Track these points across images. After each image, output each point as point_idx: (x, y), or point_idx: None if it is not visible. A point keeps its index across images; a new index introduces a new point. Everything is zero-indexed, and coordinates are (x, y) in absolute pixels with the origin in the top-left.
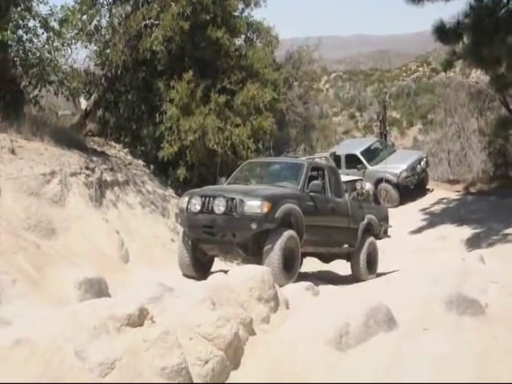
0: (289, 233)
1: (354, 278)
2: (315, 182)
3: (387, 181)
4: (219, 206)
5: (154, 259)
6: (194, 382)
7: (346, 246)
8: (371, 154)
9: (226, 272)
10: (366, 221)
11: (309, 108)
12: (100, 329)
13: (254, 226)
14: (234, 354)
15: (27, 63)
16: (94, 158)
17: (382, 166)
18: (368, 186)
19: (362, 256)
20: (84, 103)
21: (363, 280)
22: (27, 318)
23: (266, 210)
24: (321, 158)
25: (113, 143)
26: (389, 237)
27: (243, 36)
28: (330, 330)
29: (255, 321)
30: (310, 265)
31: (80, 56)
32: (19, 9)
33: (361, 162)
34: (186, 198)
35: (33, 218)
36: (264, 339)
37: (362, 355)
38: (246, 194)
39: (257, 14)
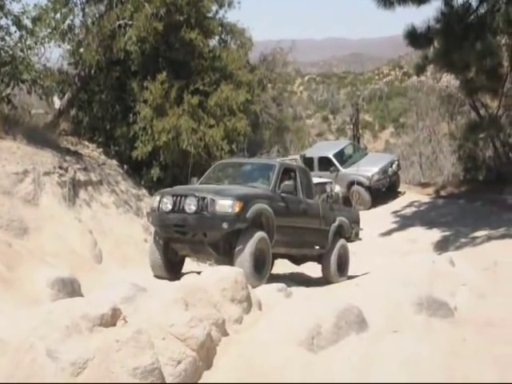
0: (260, 234)
1: (325, 281)
2: (287, 182)
3: (359, 183)
4: (190, 206)
5: (128, 259)
6: (167, 382)
7: (317, 247)
8: (344, 157)
9: (198, 273)
10: (337, 223)
11: (282, 110)
12: (72, 328)
13: (225, 225)
14: (206, 354)
15: None
16: (68, 158)
17: (355, 168)
18: (337, 188)
19: (333, 258)
20: (57, 102)
21: (334, 282)
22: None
23: (237, 209)
24: (291, 160)
25: (86, 143)
26: (360, 239)
27: (217, 37)
28: (302, 332)
29: (228, 321)
30: (282, 267)
31: (53, 55)
32: None
33: (333, 165)
34: (158, 197)
35: (4, 217)
36: (237, 340)
37: (334, 356)
38: (218, 193)
39: (230, 16)
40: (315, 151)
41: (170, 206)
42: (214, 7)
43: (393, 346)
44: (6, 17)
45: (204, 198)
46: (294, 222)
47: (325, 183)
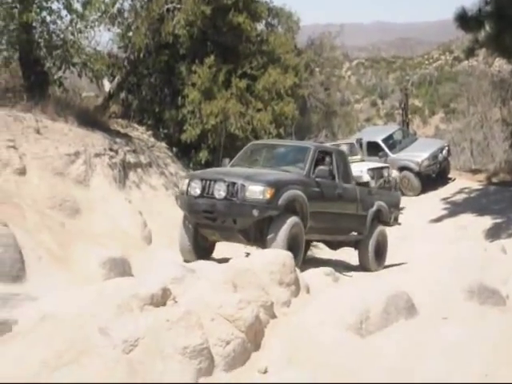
0: (293, 220)
1: (361, 268)
2: (322, 167)
3: (409, 169)
4: (220, 191)
5: (176, 241)
6: (216, 362)
7: (353, 233)
8: (393, 142)
9: (247, 255)
10: (375, 207)
11: (330, 94)
12: (124, 307)
13: (255, 212)
14: (254, 335)
15: (51, 45)
16: (118, 140)
17: (404, 154)
18: (395, 173)
19: (371, 245)
20: (107, 85)
21: (371, 270)
22: (52, 295)
23: (268, 196)
24: (345, 144)
25: (136, 125)
26: (399, 224)
27: (264, 21)
28: (351, 316)
29: (276, 304)
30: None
31: (103, 38)
32: None
33: (382, 150)
34: (186, 181)
35: (58, 197)
36: (284, 322)
37: (382, 341)
38: (248, 178)
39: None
40: (364, 136)
41: (198, 191)
42: None
43: (442, 333)
44: (58, 1)
45: (234, 184)
46: (329, 207)
47: (382, 168)
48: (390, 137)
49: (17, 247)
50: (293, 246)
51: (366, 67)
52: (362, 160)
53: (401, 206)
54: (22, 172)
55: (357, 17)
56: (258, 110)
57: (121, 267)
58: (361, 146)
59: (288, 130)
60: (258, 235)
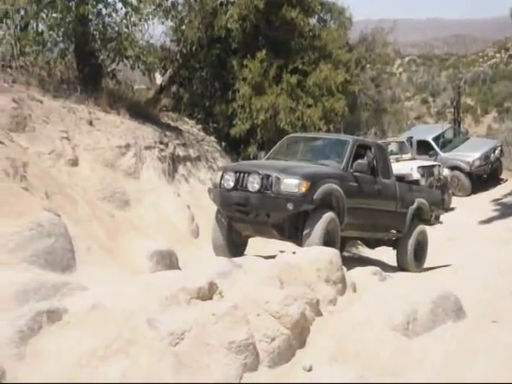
0: (329, 215)
1: (399, 269)
2: (360, 161)
3: (459, 169)
4: (253, 184)
5: None
6: (261, 358)
7: (392, 231)
8: (444, 141)
9: (293, 252)
10: (415, 205)
11: (381, 91)
12: (171, 300)
13: (290, 206)
14: (300, 333)
15: (106, 37)
16: (168, 133)
17: (455, 153)
18: (446, 172)
19: (410, 244)
20: (159, 78)
21: (409, 271)
22: (102, 285)
23: (304, 189)
24: (396, 142)
25: (186, 119)
26: (441, 223)
27: (316, 16)
28: (398, 316)
29: (322, 302)
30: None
31: (156, 32)
32: None
33: (432, 149)
34: (220, 173)
35: (108, 188)
36: (330, 320)
37: (429, 343)
38: (283, 171)
39: None
40: (414, 134)
41: (231, 184)
42: None
43: (491, 336)
44: None
45: (268, 176)
46: (367, 203)
47: (433, 166)
48: (441, 135)
49: (68, 237)
50: (328, 242)
51: (418, 64)
52: (413, 158)
53: (451, 206)
54: (75, 163)
55: (411, 13)
56: (308, 106)
57: (168, 260)
58: (411, 144)
59: (337, 127)
60: (292, 231)
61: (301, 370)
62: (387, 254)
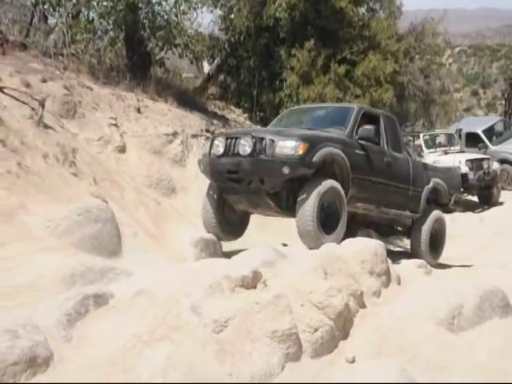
0: (329, 183)
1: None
2: (366, 126)
3: (509, 162)
4: (245, 147)
5: (266, 224)
6: (304, 348)
7: (405, 213)
8: (494, 134)
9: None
10: (431, 184)
11: (430, 82)
12: (215, 287)
13: (285, 170)
14: (343, 324)
15: (155, 26)
16: (215, 121)
17: (505, 146)
18: (495, 165)
19: (425, 230)
20: (207, 67)
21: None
22: (147, 271)
23: (301, 151)
24: (445, 134)
25: (233, 107)
26: (462, 210)
27: (366, 5)
28: (443, 310)
29: (366, 294)
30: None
31: (205, 20)
32: None
33: (482, 141)
34: (210, 140)
35: (155, 175)
36: (374, 313)
37: (475, 338)
38: (278, 133)
39: None
40: (463, 126)
41: (221, 149)
42: None
43: None
44: None
45: (262, 139)
46: (375, 175)
47: (482, 159)
48: (491, 128)
49: (114, 223)
50: (329, 214)
51: (469, 55)
52: (462, 151)
53: (499, 200)
54: (122, 150)
55: (462, 2)
56: (356, 96)
57: (212, 248)
58: (460, 136)
59: None
60: (290, 200)
61: (343, 362)
62: None
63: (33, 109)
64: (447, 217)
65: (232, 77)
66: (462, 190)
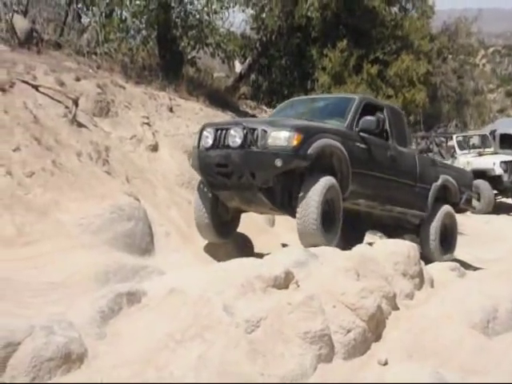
0: (330, 180)
1: (423, 259)
2: (368, 117)
3: None
4: (235, 138)
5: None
6: (336, 349)
7: (412, 211)
8: None
9: (370, 244)
10: (440, 181)
11: (463, 83)
12: (247, 287)
13: (278, 162)
14: (376, 326)
15: (187, 25)
16: None
17: None
18: None
19: (434, 228)
20: (238, 66)
21: (435, 260)
22: (179, 270)
23: (295, 142)
24: (479, 135)
25: (264, 107)
26: (473, 208)
27: (398, 5)
28: (477, 314)
29: (399, 296)
30: None
31: (237, 20)
32: None
33: None
34: (198, 132)
35: (186, 174)
36: (407, 315)
37: (510, 343)
38: (271, 123)
39: None
40: (498, 128)
41: (210, 141)
42: None
43: None
44: None
45: (253, 130)
46: (377, 170)
47: None
48: None
49: (147, 221)
50: (329, 211)
51: (503, 55)
52: (495, 153)
53: None
54: (155, 148)
55: (499, 1)
56: (388, 97)
57: (243, 247)
58: (494, 138)
59: (417, 118)
60: (285, 197)
61: (376, 364)
62: (464, 252)
63: (67, 107)
64: (481, 218)
65: (263, 76)
66: (495, 192)
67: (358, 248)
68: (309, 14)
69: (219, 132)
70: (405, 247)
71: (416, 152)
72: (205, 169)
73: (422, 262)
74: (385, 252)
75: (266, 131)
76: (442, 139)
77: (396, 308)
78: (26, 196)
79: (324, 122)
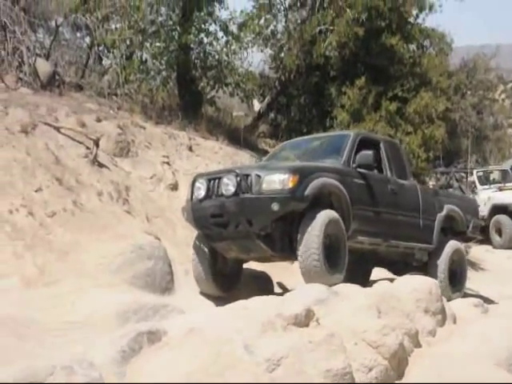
0: (329, 213)
1: None
2: (364, 152)
3: None
4: (228, 186)
5: None
6: None
7: (417, 245)
8: None
9: (391, 281)
10: (444, 212)
11: (483, 118)
12: (268, 325)
13: (275, 207)
14: (398, 364)
15: (206, 65)
16: None
17: None
18: None
19: (442, 264)
20: (257, 105)
21: (445, 298)
22: (199, 308)
23: (291, 184)
24: (499, 170)
25: None
26: (480, 238)
27: (416, 42)
28: (502, 351)
29: (421, 333)
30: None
31: (255, 59)
32: (202, 13)
33: None
34: (191, 184)
35: None
36: (429, 352)
37: None
38: (265, 167)
39: (430, 21)
40: None
41: (203, 192)
42: (414, 11)
43: None
44: (215, 23)
45: (247, 176)
46: (379, 205)
47: None
48: None
49: (167, 260)
50: (333, 247)
51: None
52: None
53: None
54: (174, 187)
55: None
56: (408, 134)
57: (263, 284)
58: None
59: (436, 154)
60: (285, 242)
61: None
62: (487, 287)
63: (88, 148)
64: (503, 253)
65: (282, 114)
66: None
67: (378, 285)
68: (327, 53)
69: (212, 182)
70: (426, 284)
71: (418, 184)
72: (199, 221)
73: (444, 299)
74: (406, 289)
75: (259, 176)
76: (463, 175)
77: (418, 345)
78: (48, 236)
79: (320, 161)
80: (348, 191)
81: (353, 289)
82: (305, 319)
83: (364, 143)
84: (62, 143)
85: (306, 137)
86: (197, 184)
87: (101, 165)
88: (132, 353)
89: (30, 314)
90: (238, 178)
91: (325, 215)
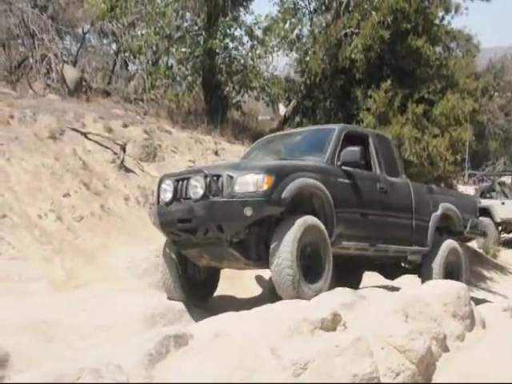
0: (307, 219)
1: None
2: (350, 148)
3: None
4: (197, 188)
5: None
6: None
7: (410, 248)
8: None
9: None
10: (439, 211)
11: (511, 120)
12: (294, 330)
13: (248, 211)
14: (425, 368)
15: (232, 70)
16: None
17: None
18: None
19: (437, 266)
20: (283, 109)
21: None
22: (226, 312)
23: (265, 186)
24: None
25: None
26: (484, 236)
27: (442, 44)
28: None
29: (449, 337)
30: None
31: (280, 63)
32: (227, 18)
33: None
34: (157, 186)
35: None
36: (458, 357)
37: None
38: (237, 167)
39: (457, 22)
40: None
41: (170, 195)
42: (440, 13)
43: None
44: (240, 28)
45: (218, 177)
46: (366, 206)
47: None
48: None
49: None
50: (311, 259)
51: None
52: None
53: None
54: None
55: None
56: (434, 136)
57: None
58: None
59: (464, 157)
60: (261, 249)
61: None
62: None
63: (115, 153)
64: None
65: (308, 118)
66: None
67: (405, 289)
68: (353, 56)
69: (179, 183)
70: (454, 288)
71: (410, 181)
72: (166, 226)
73: (473, 303)
74: (433, 293)
75: (231, 177)
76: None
77: (446, 350)
78: (76, 240)
79: (301, 159)
80: (331, 192)
81: (380, 293)
82: (331, 323)
83: (350, 138)
84: (90, 148)
85: (286, 131)
86: (163, 186)
87: (128, 170)
88: (159, 356)
89: (58, 317)
90: (208, 179)
91: (302, 221)
